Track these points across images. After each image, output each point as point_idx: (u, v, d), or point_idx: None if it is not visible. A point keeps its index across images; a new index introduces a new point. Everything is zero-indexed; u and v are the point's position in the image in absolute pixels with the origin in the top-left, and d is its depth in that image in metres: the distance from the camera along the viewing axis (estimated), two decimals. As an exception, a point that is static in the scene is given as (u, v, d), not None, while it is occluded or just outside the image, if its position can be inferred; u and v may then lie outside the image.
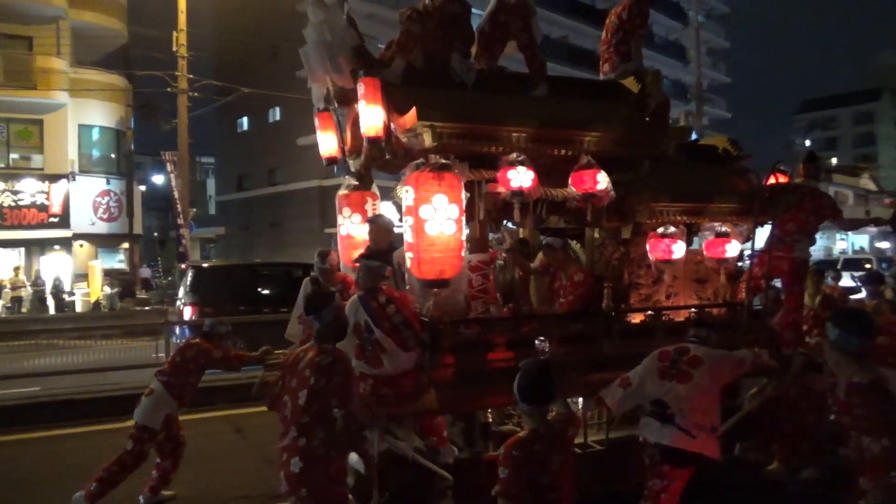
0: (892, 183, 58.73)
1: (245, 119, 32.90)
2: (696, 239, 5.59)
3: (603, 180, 4.53)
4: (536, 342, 4.02)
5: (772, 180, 5.46)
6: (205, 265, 15.02)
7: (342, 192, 5.60)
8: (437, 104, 4.22)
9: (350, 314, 3.97)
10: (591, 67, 39.00)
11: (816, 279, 6.07)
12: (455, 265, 4.18)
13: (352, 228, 5.52)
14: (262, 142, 30.84)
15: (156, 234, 35.17)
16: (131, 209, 23.24)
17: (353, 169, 5.49)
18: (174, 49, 16.93)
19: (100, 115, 22.82)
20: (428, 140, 4.17)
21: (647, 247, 5.04)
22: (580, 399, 4.47)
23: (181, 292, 12.06)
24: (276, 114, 30.42)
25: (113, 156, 23.69)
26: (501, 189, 4.36)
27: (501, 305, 5.17)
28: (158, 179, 32.10)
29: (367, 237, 5.10)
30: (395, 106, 4.33)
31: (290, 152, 28.82)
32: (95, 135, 23.10)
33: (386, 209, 5.66)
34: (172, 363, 5.26)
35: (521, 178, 4.30)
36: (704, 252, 5.34)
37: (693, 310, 5.15)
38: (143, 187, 28.63)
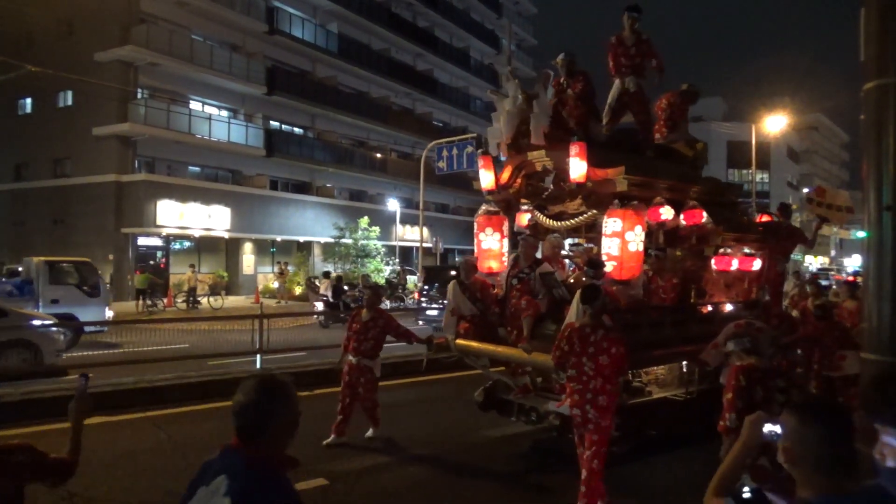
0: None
1: (28, 100, 29.02)
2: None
3: (705, 217, 6.94)
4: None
5: (764, 219, 8.44)
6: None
7: (482, 214, 7.41)
8: (627, 162, 6.25)
9: (580, 302, 5.37)
10: (409, 82, 39.74)
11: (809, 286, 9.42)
12: (639, 271, 6.32)
13: (492, 244, 7.32)
14: (49, 128, 27.39)
15: None
16: None
17: (496, 199, 7.30)
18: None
19: None
20: (621, 186, 6.09)
21: (713, 262, 7.35)
22: (685, 362, 6.78)
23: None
24: (67, 98, 27.26)
25: None
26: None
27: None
28: None
29: (502, 249, 7.30)
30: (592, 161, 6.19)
31: (84, 142, 26.05)
32: None
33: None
34: (364, 329, 6.98)
35: (666, 214, 6.52)
36: (738, 266, 7.46)
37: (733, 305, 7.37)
38: None
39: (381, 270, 28.57)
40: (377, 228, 29.38)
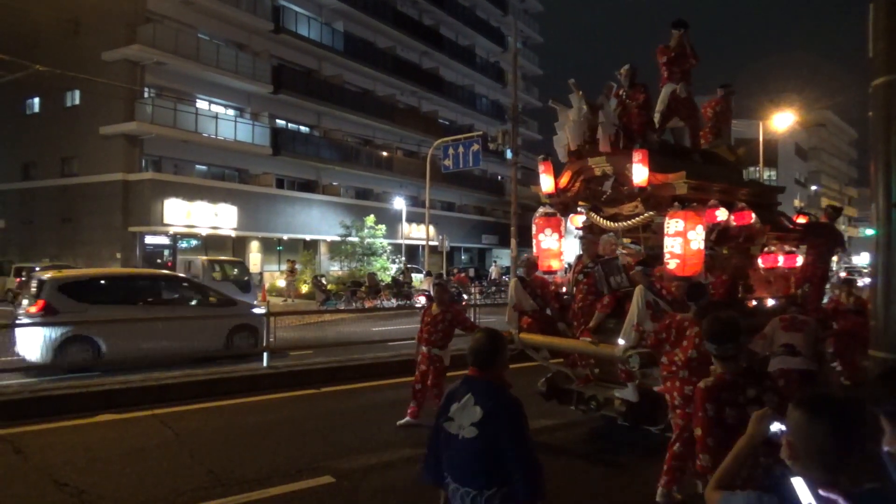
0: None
1: (36, 100, 29.20)
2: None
3: (753, 217, 7.32)
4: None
5: (801, 219, 8.86)
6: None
7: (540, 215, 7.91)
8: (685, 168, 6.63)
9: (641, 297, 5.99)
10: (414, 80, 39.58)
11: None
12: (700, 267, 6.62)
13: (551, 244, 7.90)
14: (57, 127, 27.59)
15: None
16: None
17: (555, 202, 7.76)
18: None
19: None
20: (681, 190, 6.47)
21: (759, 259, 7.82)
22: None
23: None
24: (74, 97, 27.40)
25: None
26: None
27: None
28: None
29: (560, 249, 7.95)
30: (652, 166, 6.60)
31: (91, 141, 26.18)
32: None
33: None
34: (434, 322, 7.35)
35: (721, 214, 7.05)
36: (781, 263, 8.04)
37: (775, 299, 7.85)
38: None
39: (387, 269, 28.59)
40: (383, 227, 29.42)
